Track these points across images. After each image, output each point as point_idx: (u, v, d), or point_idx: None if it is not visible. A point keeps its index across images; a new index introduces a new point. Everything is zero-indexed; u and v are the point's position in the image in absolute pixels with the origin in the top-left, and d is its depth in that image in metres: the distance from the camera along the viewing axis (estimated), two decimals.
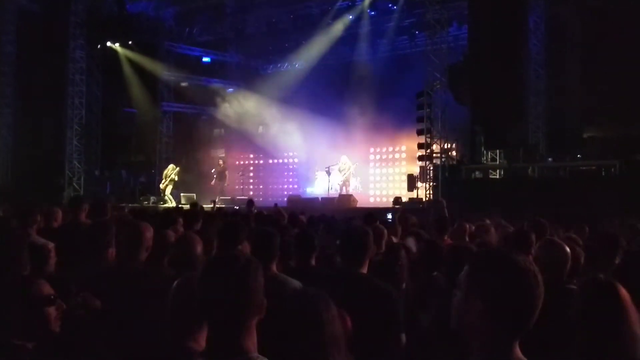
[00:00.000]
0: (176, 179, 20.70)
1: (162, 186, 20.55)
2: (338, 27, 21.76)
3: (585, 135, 15.80)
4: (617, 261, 4.34)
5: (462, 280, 1.68)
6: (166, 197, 19.94)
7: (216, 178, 22.24)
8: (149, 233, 3.49)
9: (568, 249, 3.45)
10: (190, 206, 10.29)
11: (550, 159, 16.13)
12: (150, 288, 2.94)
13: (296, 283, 3.40)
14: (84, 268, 3.49)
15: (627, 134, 14.84)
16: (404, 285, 3.87)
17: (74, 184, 20.89)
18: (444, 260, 3.76)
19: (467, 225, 6.11)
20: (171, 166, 21.07)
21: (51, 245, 3.89)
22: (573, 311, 2.37)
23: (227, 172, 22.51)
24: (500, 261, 1.66)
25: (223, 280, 1.86)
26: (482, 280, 1.63)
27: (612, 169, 14.05)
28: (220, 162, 22.74)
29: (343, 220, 6.78)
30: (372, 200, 21.32)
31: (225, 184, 22.40)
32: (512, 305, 1.60)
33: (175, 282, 2.30)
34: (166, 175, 20.64)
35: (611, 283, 2.37)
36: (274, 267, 3.62)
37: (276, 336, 1.92)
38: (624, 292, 2.33)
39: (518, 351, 1.63)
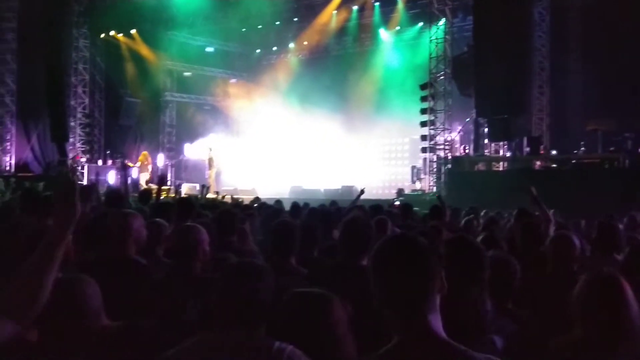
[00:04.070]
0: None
1: (144, 175, 19.71)
2: (342, 17, 21.67)
3: (588, 128, 15.73)
4: (619, 254, 4.35)
5: None
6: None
7: (208, 167, 21.40)
8: (137, 224, 3.44)
9: (577, 242, 3.50)
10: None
11: (554, 152, 16.08)
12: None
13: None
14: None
15: (630, 126, 14.78)
16: None
17: (78, 173, 20.90)
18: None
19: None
20: (146, 153, 20.38)
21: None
22: (574, 302, 2.37)
23: (214, 161, 21.44)
24: None
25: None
26: None
27: (616, 162, 14.01)
28: (209, 150, 21.73)
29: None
30: (374, 192, 21.28)
31: (212, 173, 21.33)
32: None
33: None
34: (143, 162, 19.91)
35: (615, 277, 2.37)
36: (293, 260, 3.58)
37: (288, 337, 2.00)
38: (627, 286, 2.33)
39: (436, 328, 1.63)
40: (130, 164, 19.74)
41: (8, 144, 22.46)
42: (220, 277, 2.17)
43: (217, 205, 7.85)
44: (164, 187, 19.20)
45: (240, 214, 5.16)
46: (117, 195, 5.72)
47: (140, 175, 19.99)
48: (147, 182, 19.02)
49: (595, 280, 2.40)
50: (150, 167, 20.29)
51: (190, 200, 5.76)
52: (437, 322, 1.60)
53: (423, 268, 1.61)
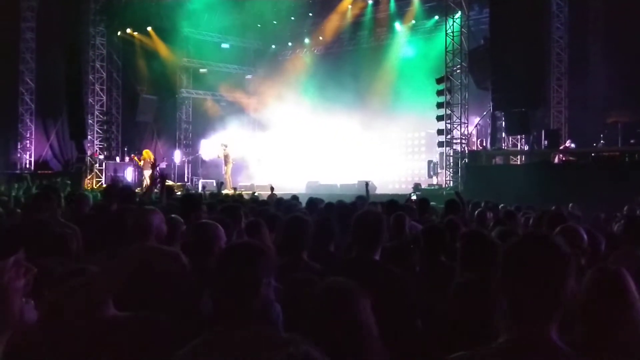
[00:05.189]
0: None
1: (147, 173, 19.02)
2: (357, 12, 21.59)
3: (609, 120, 15.49)
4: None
5: None
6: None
7: (224, 164, 21.30)
8: (158, 220, 3.45)
9: (585, 235, 3.36)
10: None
11: (572, 145, 15.89)
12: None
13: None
14: (104, 253, 3.51)
15: None
16: (417, 268, 3.85)
17: (96, 170, 21.13)
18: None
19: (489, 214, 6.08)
20: (148, 151, 20.29)
21: (77, 230, 3.95)
22: (577, 298, 2.29)
23: (230, 157, 20.71)
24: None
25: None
26: None
27: (636, 155, 13.78)
28: (224, 147, 20.96)
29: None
30: (390, 186, 21.22)
31: (229, 169, 21.03)
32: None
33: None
34: (146, 160, 19.51)
35: (619, 273, 2.24)
36: (305, 255, 3.55)
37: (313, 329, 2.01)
38: (629, 281, 2.23)
39: (553, 335, 1.47)
40: (138, 161, 19.98)
41: (27, 141, 22.77)
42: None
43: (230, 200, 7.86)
44: (177, 183, 19.46)
45: (242, 209, 5.17)
46: (129, 192, 5.79)
47: (144, 172, 20.09)
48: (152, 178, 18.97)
49: (597, 276, 2.27)
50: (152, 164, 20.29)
51: (194, 196, 5.80)
52: (555, 329, 1.48)
53: (562, 275, 1.45)
